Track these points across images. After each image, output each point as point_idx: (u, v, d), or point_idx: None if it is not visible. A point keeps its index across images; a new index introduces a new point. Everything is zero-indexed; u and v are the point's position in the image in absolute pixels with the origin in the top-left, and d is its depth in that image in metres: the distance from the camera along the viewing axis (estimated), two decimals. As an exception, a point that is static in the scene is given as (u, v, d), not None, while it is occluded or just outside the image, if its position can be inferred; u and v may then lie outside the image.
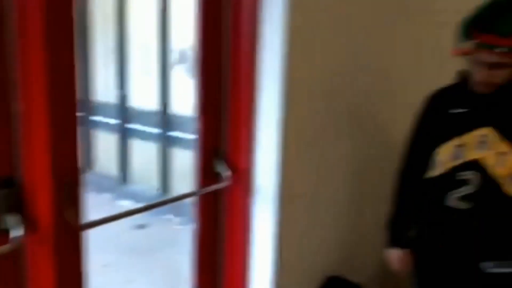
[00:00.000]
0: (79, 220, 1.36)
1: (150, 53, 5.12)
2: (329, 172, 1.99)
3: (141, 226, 4.73)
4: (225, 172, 1.80)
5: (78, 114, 1.29)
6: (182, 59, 4.86)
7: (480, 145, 1.60)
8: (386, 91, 2.07)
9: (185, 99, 4.51)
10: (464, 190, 1.62)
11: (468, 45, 1.56)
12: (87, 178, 5.65)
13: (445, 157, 1.66)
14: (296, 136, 1.80)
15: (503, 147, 1.58)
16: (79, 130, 1.31)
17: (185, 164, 3.93)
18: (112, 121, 5.57)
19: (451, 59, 1.66)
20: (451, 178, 1.65)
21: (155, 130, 5.15)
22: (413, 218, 1.79)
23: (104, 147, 5.73)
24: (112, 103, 5.54)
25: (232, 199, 1.86)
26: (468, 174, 1.62)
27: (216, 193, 1.85)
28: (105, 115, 5.70)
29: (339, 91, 1.94)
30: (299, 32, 1.68)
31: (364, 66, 2.01)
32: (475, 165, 1.61)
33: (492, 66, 1.53)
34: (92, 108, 5.89)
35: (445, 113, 1.68)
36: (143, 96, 5.30)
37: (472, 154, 1.61)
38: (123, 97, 5.46)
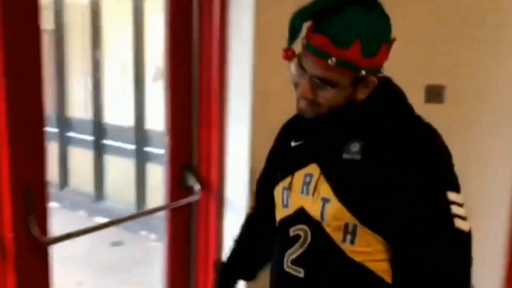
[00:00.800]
0: (46, 234, 1.35)
1: (126, 69, 5.13)
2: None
3: (117, 243, 4.67)
4: (196, 186, 1.82)
5: (44, 124, 1.29)
6: (159, 75, 4.89)
7: (304, 188, 1.17)
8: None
9: (161, 115, 4.52)
10: (296, 251, 1.17)
11: (298, 45, 1.11)
12: (62, 195, 5.58)
13: (277, 205, 1.26)
14: (266, 149, 1.82)
15: (326, 190, 1.12)
16: (51, 145, 1.31)
17: (160, 179, 3.93)
18: (88, 137, 5.53)
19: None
20: (284, 233, 1.20)
21: (131, 146, 5.14)
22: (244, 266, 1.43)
23: (79, 163, 5.68)
24: (88, 120, 5.52)
25: (204, 212, 1.86)
26: (298, 229, 1.17)
27: (187, 207, 1.86)
28: (80, 132, 5.67)
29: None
30: (267, 45, 1.71)
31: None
32: (304, 216, 1.16)
33: (317, 81, 1.09)
34: (67, 124, 5.85)
35: (287, 146, 1.28)
36: (119, 112, 5.29)
37: (296, 200, 1.18)
38: (98, 113, 5.43)
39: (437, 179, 1.08)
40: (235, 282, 1.46)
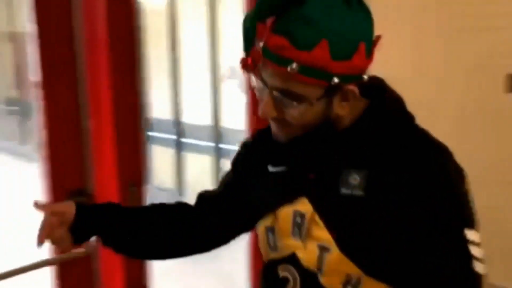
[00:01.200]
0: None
1: (201, 69, 5.32)
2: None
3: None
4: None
5: (143, 126, 1.43)
6: (232, 74, 5.03)
7: (296, 230, 0.95)
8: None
9: (235, 112, 4.65)
10: None
11: (254, 50, 0.87)
12: (145, 191, 5.89)
13: (261, 243, 1.05)
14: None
15: (322, 236, 0.91)
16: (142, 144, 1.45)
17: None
18: (168, 136, 5.80)
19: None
20: (272, 275, 1.01)
21: (208, 144, 5.33)
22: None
23: (160, 161, 5.96)
24: (166, 119, 5.78)
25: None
26: (287, 272, 0.98)
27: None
28: (160, 131, 5.94)
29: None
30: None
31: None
32: (294, 260, 0.97)
33: (279, 95, 0.86)
34: (149, 124, 6.15)
35: (259, 167, 1.04)
36: (197, 111, 5.49)
37: (286, 245, 0.98)
38: (178, 113, 5.68)
39: (454, 215, 0.88)
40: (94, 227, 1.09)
